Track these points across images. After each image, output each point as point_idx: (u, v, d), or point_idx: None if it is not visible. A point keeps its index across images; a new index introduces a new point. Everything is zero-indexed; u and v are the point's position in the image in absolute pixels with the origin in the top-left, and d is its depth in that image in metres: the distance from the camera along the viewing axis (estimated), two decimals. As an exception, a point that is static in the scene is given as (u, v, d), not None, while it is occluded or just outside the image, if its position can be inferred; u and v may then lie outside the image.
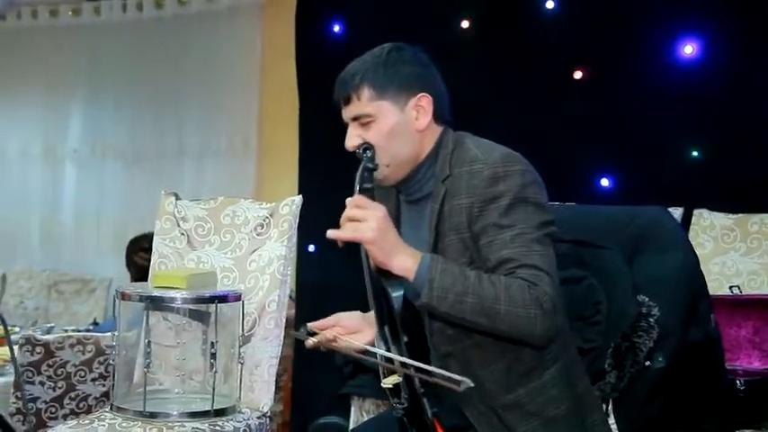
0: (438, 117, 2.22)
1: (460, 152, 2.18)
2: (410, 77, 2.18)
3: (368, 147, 2.11)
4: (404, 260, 2.02)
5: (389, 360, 2.08)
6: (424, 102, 2.18)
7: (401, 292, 2.03)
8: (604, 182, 3.77)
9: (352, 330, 2.29)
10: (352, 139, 2.17)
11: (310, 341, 2.25)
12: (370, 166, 2.10)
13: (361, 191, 2.08)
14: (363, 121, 2.17)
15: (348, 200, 2.08)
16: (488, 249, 2.07)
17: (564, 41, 3.88)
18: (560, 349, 2.17)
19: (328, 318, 2.33)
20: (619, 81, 3.80)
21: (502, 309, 1.98)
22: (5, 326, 1.83)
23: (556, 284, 2.03)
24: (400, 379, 2.07)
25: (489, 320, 2.01)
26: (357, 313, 2.36)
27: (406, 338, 2.06)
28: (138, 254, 4.62)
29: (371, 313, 2.33)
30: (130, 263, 4.74)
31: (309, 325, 2.29)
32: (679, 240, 2.52)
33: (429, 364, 2.27)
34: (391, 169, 2.19)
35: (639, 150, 3.75)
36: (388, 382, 2.09)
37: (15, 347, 3.81)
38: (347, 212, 2.05)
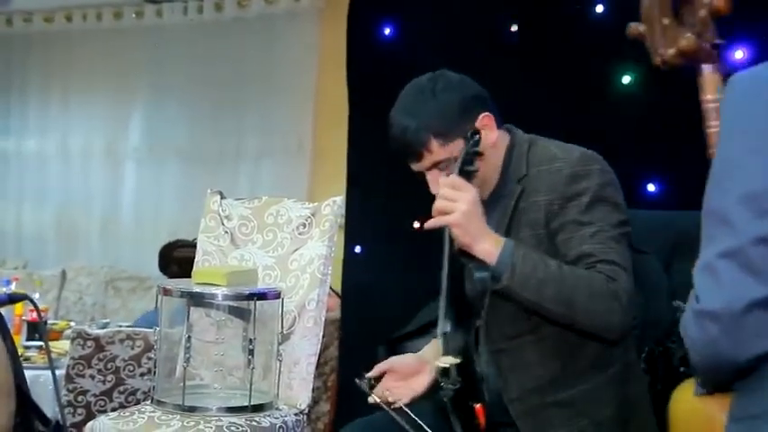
0: (499, 124, 2.26)
1: (537, 151, 2.22)
2: (466, 105, 2.20)
3: (475, 131, 2.13)
4: (487, 244, 2.06)
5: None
6: (487, 120, 2.21)
7: (485, 274, 2.06)
8: (651, 187, 3.74)
9: (408, 375, 2.29)
10: (438, 184, 2.16)
11: (372, 399, 2.27)
12: (476, 149, 2.13)
13: (461, 173, 2.11)
14: (441, 166, 2.19)
15: (442, 179, 2.12)
16: (567, 245, 2.11)
17: (613, 45, 3.84)
18: (621, 351, 2.19)
19: (381, 364, 2.33)
20: (667, 86, 3.76)
21: (581, 299, 2.02)
22: (39, 313, 1.89)
23: (632, 282, 2.06)
24: (457, 361, 2.09)
25: (568, 309, 2.04)
26: (410, 356, 2.36)
27: (479, 322, 2.12)
28: (177, 249, 4.71)
29: (426, 350, 2.35)
30: (170, 262, 4.82)
31: (367, 375, 2.30)
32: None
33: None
34: (483, 189, 2.22)
35: (686, 156, 3.70)
36: (444, 361, 2.11)
37: (67, 342, 3.92)
38: (441, 192, 2.08)
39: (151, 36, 6.69)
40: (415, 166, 2.22)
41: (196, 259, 2.96)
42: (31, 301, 1.84)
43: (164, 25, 6.66)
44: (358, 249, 4.50)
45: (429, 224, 2.11)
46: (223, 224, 2.96)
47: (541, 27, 4.02)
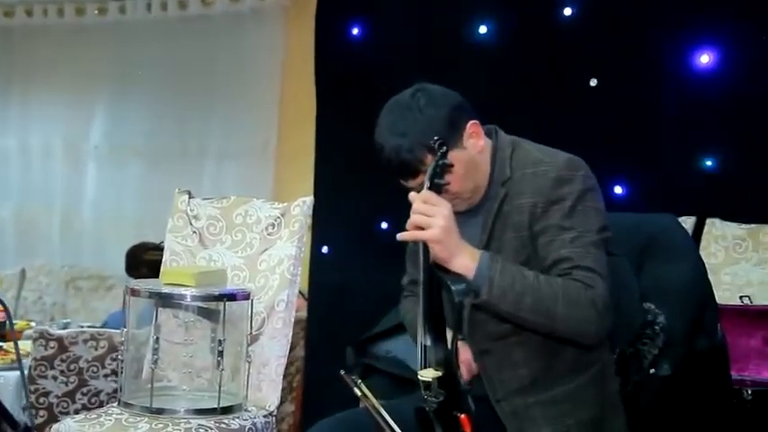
0: (484, 130, 2.25)
1: (521, 154, 2.22)
2: (453, 116, 2.17)
3: (443, 142, 2.10)
4: (464, 259, 2.06)
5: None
6: (475, 128, 2.19)
7: (462, 286, 2.04)
8: (618, 189, 3.77)
9: None
10: None
11: (358, 392, 2.24)
12: (446, 162, 2.10)
13: (431, 186, 2.08)
14: None
15: (412, 195, 2.10)
16: (547, 248, 2.12)
17: (580, 48, 3.87)
18: (600, 352, 2.22)
19: None
20: (634, 89, 3.79)
21: (559, 309, 2.04)
22: (11, 320, 1.86)
23: (609, 287, 2.08)
24: (439, 374, 2.09)
25: (547, 320, 2.06)
26: None
27: (461, 336, 2.12)
28: (148, 252, 4.65)
29: None
30: (141, 264, 4.75)
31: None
32: (687, 249, 2.53)
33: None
34: (475, 196, 2.22)
35: (653, 159, 3.75)
36: (426, 375, 2.10)
37: (29, 342, 3.87)
38: (415, 206, 2.07)
39: (114, 33, 6.61)
40: (411, 183, 2.18)
41: (164, 259, 2.92)
42: (1, 302, 1.80)
43: (127, 22, 6.58)
44: (325, 249, 4.49)
45: (404, 236, 2.09)
46: (191, 224, 2.93)
47: (510, 29, 4.04)
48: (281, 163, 5.89)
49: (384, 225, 4.27)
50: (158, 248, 4.70)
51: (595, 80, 3.84)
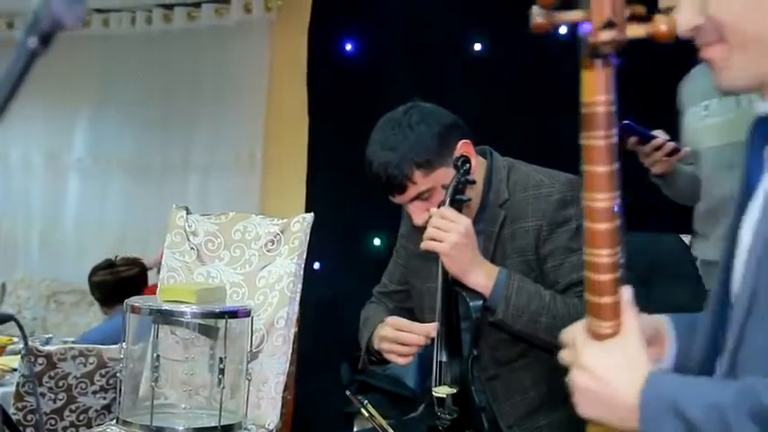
0: (477, 151, 2.24)
1: (518, 177, 2.21)
2: (444, 134, 2.17)
3: (466, 160, 2.10)
4: (479, 276, 2.06)
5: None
6: (466, 147, 2.18)
7: (479, 303, 2.06)
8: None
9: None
10: (422, 215, 2.15)
11: (366, 413, 2.22)
12: (469, 178, 2.10)
13: (452, 203, 2.08)
14: (425, 196, 2.16)
15: (433, 210, 2.10)
16: (557, 272, 2.12)
17: (576, 65, 3.87)
18: None
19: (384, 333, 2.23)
20: (628, 105, 3.79)
21: None
22: (24, 334, 1.82)
23: None
24: (453, 391, 2.09)
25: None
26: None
27: (475, 352, 2.11)
28: (95, 275, 4.46)
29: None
30: (93, 289, 4.55)
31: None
32: (692, 269, 2.53)
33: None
34: (467, 216, 2.20)
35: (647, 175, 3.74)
36: (440, 391, 2.10)
37: (12, 357, 3.80)
38: (432, 221, 2.07)
39: (97, 46, 6.56)
40: (398, 199, 2.19)
41: (161, 275, 2.89)
42: (17, 322, 1.76)
43: (111, 35, 6.53)
44: (317, 265, 4.46)
45: (422, 245, 2.09)
46: (189, 240, 2.89)
47: (504, 46, 4.03)
48: (267, 176, 5.84)
49: (377, 241, 4.24)
50: (106, 267, 4.55)
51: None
